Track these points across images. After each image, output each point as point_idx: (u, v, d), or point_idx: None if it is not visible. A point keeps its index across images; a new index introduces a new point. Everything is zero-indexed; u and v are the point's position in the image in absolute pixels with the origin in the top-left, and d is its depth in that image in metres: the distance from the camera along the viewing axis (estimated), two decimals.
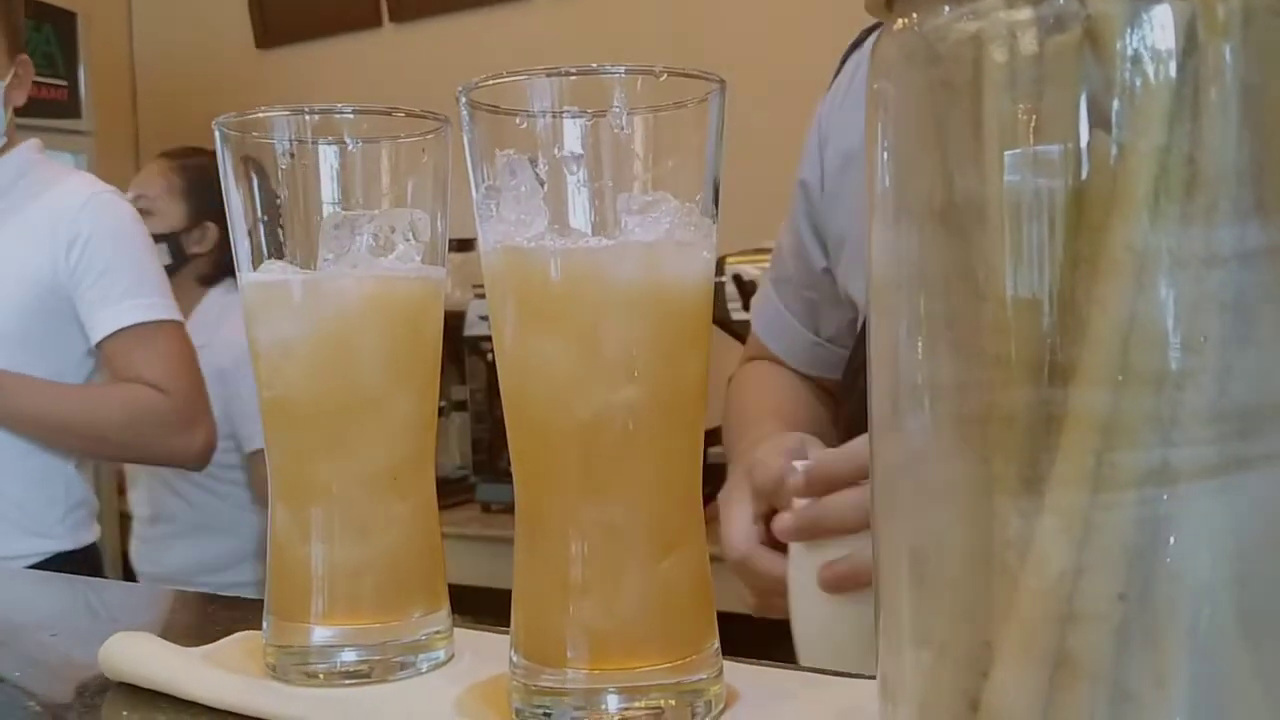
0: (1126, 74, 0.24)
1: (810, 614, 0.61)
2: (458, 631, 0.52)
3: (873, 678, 0.30)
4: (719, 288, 1.55)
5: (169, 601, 0.73)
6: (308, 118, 0.49)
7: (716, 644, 0.44)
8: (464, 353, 1.91)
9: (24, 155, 1.42)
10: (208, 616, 0.64)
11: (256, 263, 0.49)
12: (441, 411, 1.89)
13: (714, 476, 0.84)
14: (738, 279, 1.55)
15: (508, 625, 0.44)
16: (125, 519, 2.11)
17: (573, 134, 0.40)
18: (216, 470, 1.66)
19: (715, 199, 0.42)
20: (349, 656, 0.49)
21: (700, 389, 0.43)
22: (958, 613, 0.26)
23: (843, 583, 0.58)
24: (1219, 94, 0.24)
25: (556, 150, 0.40)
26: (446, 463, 1.99)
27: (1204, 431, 0.24)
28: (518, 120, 0.41)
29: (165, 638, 0.52)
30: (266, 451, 0.52)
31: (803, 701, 0.44)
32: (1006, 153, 0.25)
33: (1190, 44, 0.24)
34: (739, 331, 1.64)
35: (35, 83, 1.50)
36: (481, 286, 1.66)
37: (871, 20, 0.30)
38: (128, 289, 1.36)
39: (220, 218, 0.51)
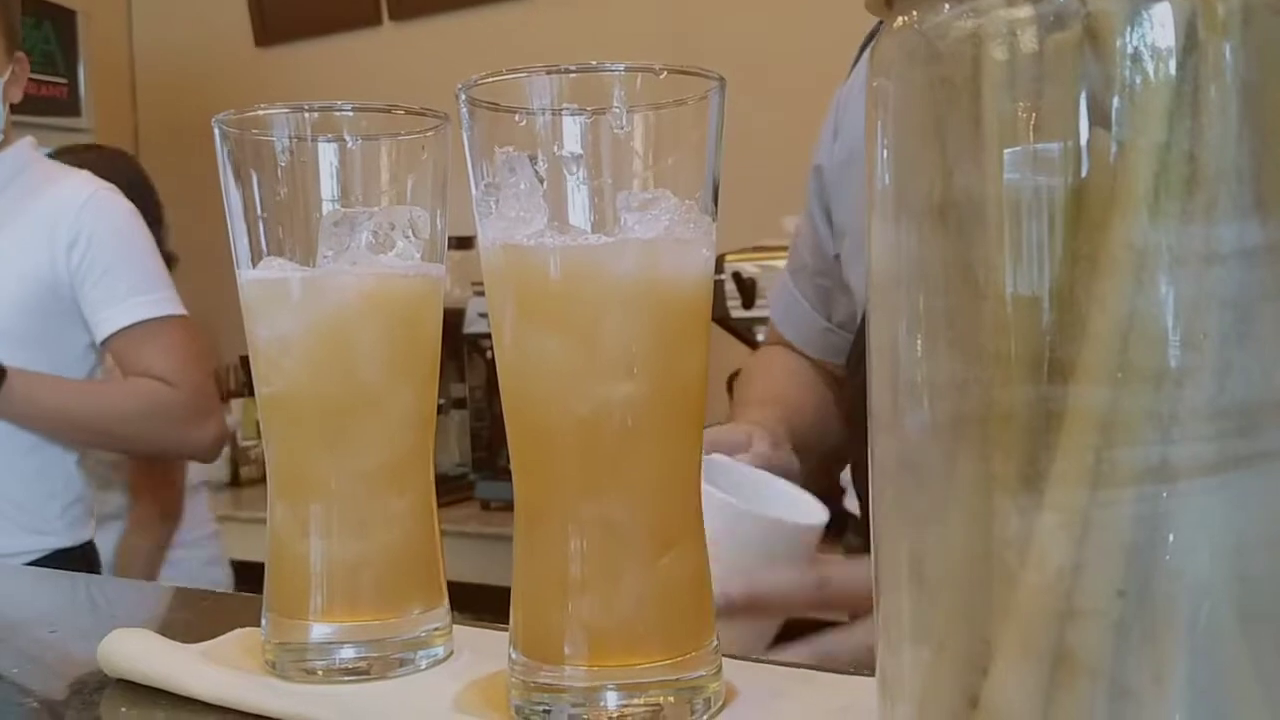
0: (1126, 71, 0.24)
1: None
2: (457, 628, 0.52)
3: (871, 675, 0.30)
4: (718, 285, 1.55)
5: (168, 598, 0.73)
6: (307, 115, 0.49)
7: (715, 641, 0.44)
8: (463, 350, 1.91)
9: (21, 153, 1.42)
10: (206, 613, 0.64)
11: (255, 260, 0.49)
12: (441, 409, 1.89)
13: None
14: (737, 277, 1.55)
15: (507, 622, 0.44)
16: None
17: (572, 132, 0.40)
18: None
19: (715, 197, 0.42)
20: (348, 653, 0.49)
21: (700, 386, 0.43)
22: (957, 610, 0.27)
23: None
24: (1219, 92, 0.24)
25: (556, 148, 0.40)
26: (446, 460, 1.99)
27: (1203, 429, 0.24)
28: (517, 118, 0.41)
29: (164, 634, 0.52)
30: (265, 448, 0.52)
31: (801, 699, 0.44)
32: (1006, 150, 0.25)
33: (1190, 41, 0.24)
34: (738, 329, 1.64)
35: (35, 81, 1.51)
36: (481, 284, 1.66)
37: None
38: (132, 286, 1.37)
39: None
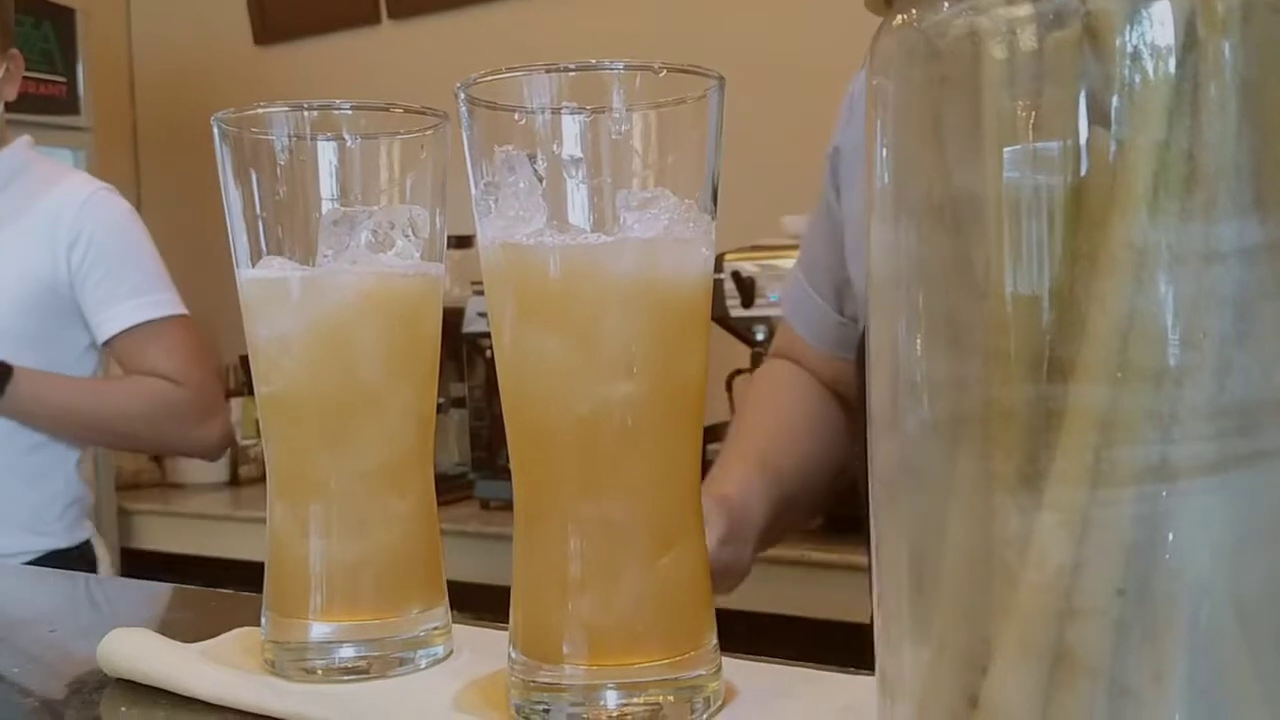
0: (1126, 70, 0.24)
1: None
2: (456, 628, 0.52)
3: (872, 673, 0.30)
4: (718, 285, 1.55)
5: (167, 597, 0.73)
6: (306, 114, 0.49)
7: (715, 640, 0.44)
8: (463, 349, 1.91)
9: (18, 153, 1.42)
10: (206, 612, 0.64)
11: (255, 259, 0.49)
12: (440, 408, 1.89)
13: None
14: (736, 276, 1.55)
15: (506, 621, 0.44)
16: (125, 515, 2.11)
17: (572, 130, 0.40)
18: None
19: (714, 196, 0.42)
20: (347, 652, 0.49)
21: (699, 386, 0.43)
22: (957, 609, 0.27)
23: None
24: (1218, 90, 0.24)
25: (555, 147, 0.40)
26: (445, 459, 1.99)
27: (1203, 428, 0.24)
28: (516, 116, 0.41)
29: (164, 634, 0.52)
30: (265, 447, 0.52)
31: (801, 698, 0.44)
32: (1006, 149, 0.25)
33: (1189, 40, 0.24)
34: (738, 328, 1.64)
35: (34, 79, 1.51)
36: (480, 283, 1.66)
37: None
38: (134, 287, 1.37)
39: None
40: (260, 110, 0.49)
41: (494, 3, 2.28)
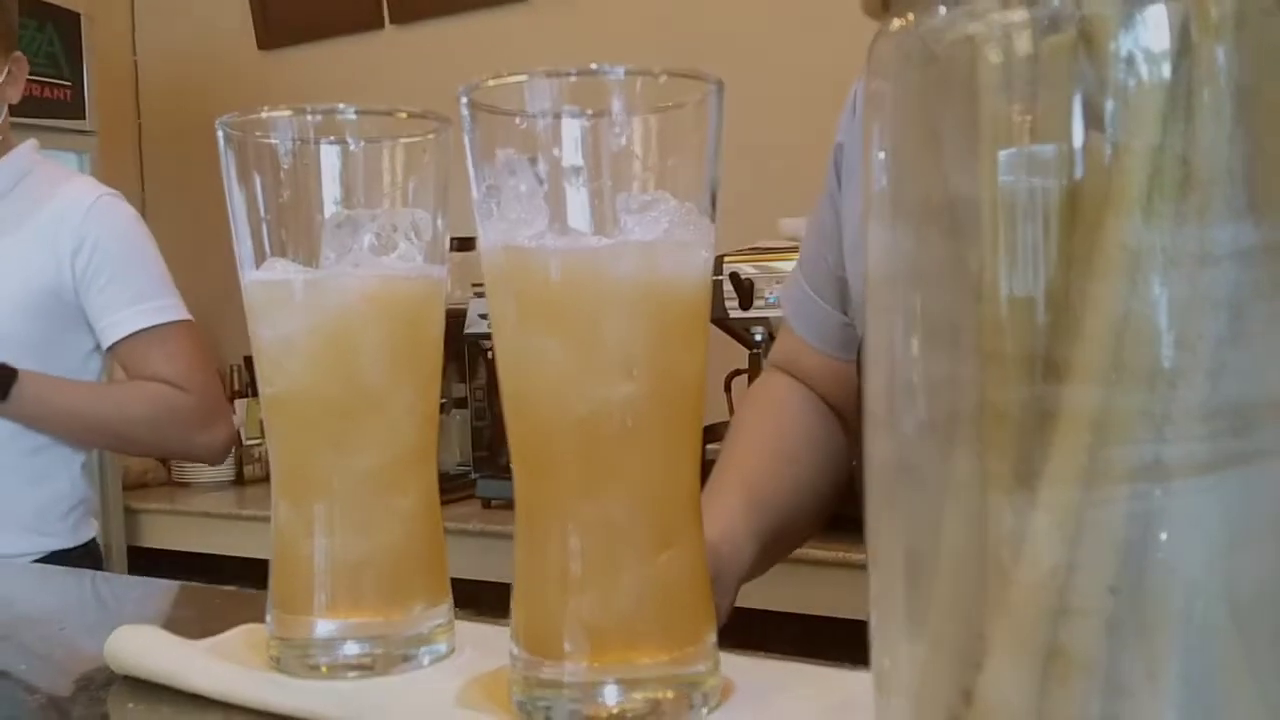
0: (1121, 74, 0.24)
1: None
2: (459, 625, 0.52)
3: (869, 669, 0.30)
4: (716, 286, 1.55)
5: (174, 595, 0.73)
6: (310, 118, 0.49)
7: (714, 636, 0.44)
8: (465, 351, 1.91)
9: (24, 157, 1.42)
10: (212, 610, 0.64)
11: (259, 261, 0.50)
12: (442, 408, 1.89)
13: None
14: (735, 278, 1.55)
15: (508, 619, 0.44)
16: (131, 514, 2.12)
17: (572, 134, 0.41)
18: None
19: (713, 199, 0.43)
20: (351, 649, 0.49)
21: (698, 387, 0.44)
22: (952, 607, 0.27)
23: None
24: (1212, 94, 0.24)
25: (556, 150, 0.41)
26: (448, 459, 1.99)
27: (1197, 428, 0.24)
28: (518, 121, 0.41)
29: (170, 631, 0.52)
30: (269, 448, 0.52)
31: (799, 694, 0.44)
32: (1002, 153, 0.25)
33: (1184, 45, 0.24)
34: (737, 330, 1.64)
35: (39, 83, 1.51)
36: (482, 285, 1.66)
37: None
38: (138, 293, 1.37)
39: None
40: (264, 114, 0.49)
41: (496, 8, 2.28)
